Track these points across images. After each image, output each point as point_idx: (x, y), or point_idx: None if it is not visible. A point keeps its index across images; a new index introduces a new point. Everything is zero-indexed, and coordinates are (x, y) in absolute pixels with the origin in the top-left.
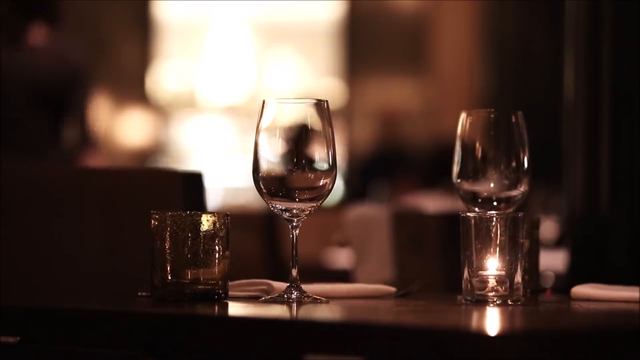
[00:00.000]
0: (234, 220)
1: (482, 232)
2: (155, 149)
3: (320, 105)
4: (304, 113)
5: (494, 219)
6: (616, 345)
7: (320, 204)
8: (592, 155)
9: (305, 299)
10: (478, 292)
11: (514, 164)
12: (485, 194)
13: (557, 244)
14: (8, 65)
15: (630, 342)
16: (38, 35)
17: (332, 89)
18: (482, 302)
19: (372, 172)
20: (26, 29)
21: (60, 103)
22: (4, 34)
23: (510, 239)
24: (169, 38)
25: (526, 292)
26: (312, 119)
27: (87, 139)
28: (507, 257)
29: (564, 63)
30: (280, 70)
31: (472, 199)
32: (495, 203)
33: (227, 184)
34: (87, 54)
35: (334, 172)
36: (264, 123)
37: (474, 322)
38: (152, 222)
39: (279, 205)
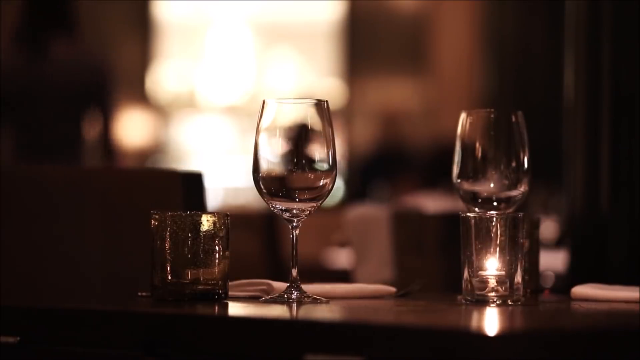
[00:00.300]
0: (234, 220)
1: (482, 232)
2: (155, 149)
3: (320, 105)
4: (304, 113)
5: (494, 219)
6: (616, 345)
7: (320, 204)
8: (592, 155)
9: (305, 299)
10: (478, 292)
11: (514, 164)
12: (485, 194)
13: (557, 244)
14: (34, 74)
15: (630, 342)
16: (60, 46)
17: (332, 89)
18: (482, 302)
19: (372, 172)
20: (49, 41)
21: (83, 109)
22: (28, 46)
23: (510, 239)
24: (169, 38)
25: (526, 292)
26: (312, 119)
27: (108, 143)
28: (507, 257)
29: (564, 63)
30: (280, 70)
31: (472, 199)
32: (495, 203)
33: (227, 184)
34: (108, 61)
35: (334, 172)
36: (264, 123)
37: (474, 322)
38: (152, 222)
39: (279, 205)
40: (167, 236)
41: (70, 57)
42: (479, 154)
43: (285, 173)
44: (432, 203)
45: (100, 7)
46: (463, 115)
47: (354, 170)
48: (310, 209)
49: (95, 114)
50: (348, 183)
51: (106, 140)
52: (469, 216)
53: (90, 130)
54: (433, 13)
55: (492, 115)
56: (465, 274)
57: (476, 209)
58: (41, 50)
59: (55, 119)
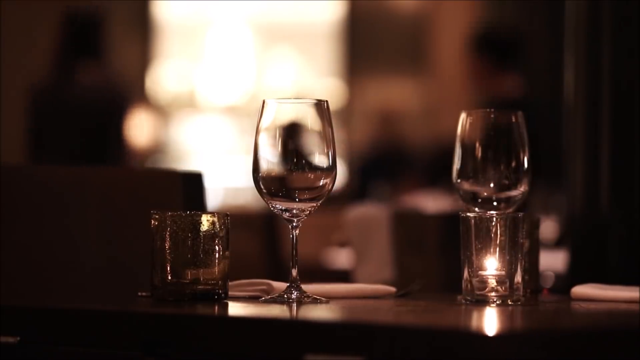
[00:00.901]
0: (234, 220)
1: (482, 232)
2: (155, 149)
3: (320, 105)
4: (304, 113)
5: (494, 219)
6: (616, 345)
7: (320, 203)
8: (592, 155)
9: (305, 299)
10: (478, 292)
11: (514, 164)
12: (485, 194)
13: (557, 244)
14: (65, 95)
15: (630, 342)
16: (88, 70)
17: (332, 89)
18: (482, 302)
19: (372, 172)
20: (78, 67)
21: (108, 121)
22: (60, 72)
23: (510, 239)
24: (169, 38)
25: (526, 292)
26: (312, 119)
27: (127, 150)
28: (507, 257)
29: (564, 63)
30: (280, 70)
31: (472, 199)
32: (495, 203)
33: (227, 184)
34: (127, 80)
35: (334, 172)
36: (264, 123)
37: (474, 322)
38: (152, 222)
39: (279, 205)
40: (167, 236)
41: (97, 78)
42: (479, 154)
43: (285, 173)
44: (432, 203)
45: (101, 7)
46: (463, 115)
47: (354, 170)
48: (310, 209)
49: (116, 125)
50: (348, 183)
51: (125, 147)
52: (469, 216)
53: (113, 139)
54: (433, 13)
55: (492, 115)
56: (465, 274)
57: (476, 209)
58: (73, 72)
59: (84, 129)
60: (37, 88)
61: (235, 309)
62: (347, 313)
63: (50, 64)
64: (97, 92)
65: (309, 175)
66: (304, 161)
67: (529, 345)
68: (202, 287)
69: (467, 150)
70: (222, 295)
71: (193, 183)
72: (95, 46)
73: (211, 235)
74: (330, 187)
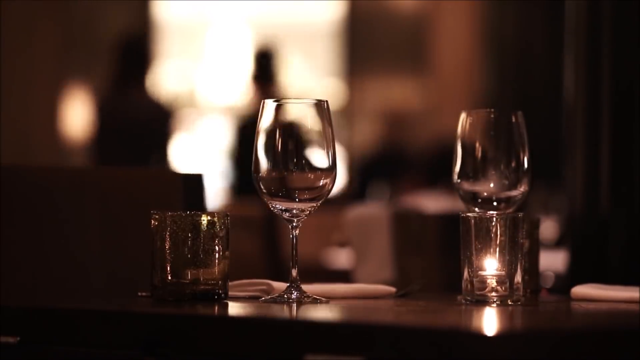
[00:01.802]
0: (234, 220)
1: (482, 232)
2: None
3: (320, 105)
4: (304, 113)
5: (494, 219)
6: (616, 345)
7: (320, 203)
8: (592, 155)
9: (305, 299)
10: (478, 292)
11: (514, 164)
12: (485, 194)
13: (557, 244)
14: (122, 109)
15: (630, 342)
16: (140, 87)
17: (332, 89)
18: (482, 302)
19: (372, 172)
20: (131, 84)
21: (156, 133)
22: (115, 89)
23: (510, 239)
24: (169, 38)
25: (526, 292)
26: (312, 119)
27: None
28: (507, 257)
29: (564, 63)
30: (280, 70)
31: (472, 199)
32: (495, 203)
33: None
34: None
35: (334, 172)
36: (264, 123)
37: (474, 322)
38: (152, 222)
39: (279, 205)
40: (167, 236)
41: (146, 97)
42: (479, 154)
43: (285, 173)
44: (432, 203)
45: (101, 7)
46: (463, 115)
47: (354, 170)
48: (310, 209)
49: (162, 138)
50: (348, 183)
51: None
52: (469, 216)
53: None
54: (433, 13)
55: (492, 115)
56: (465, 274)
57: (476, 209)
58: (128, 92)
59: (136, 140)
60: (100, 105)
61: (235, 309)
62: (347, 313)
63: (109, 84)
64: (150, 109)
65: (309, 175)
66: (304, 161)
67: (529, 345)
68: (202, 287)
69: (467, 150)
70: (222, 295)
71: (193, 183)
72: (145, 66)
73: (211, 235)
74: (330, 187)
